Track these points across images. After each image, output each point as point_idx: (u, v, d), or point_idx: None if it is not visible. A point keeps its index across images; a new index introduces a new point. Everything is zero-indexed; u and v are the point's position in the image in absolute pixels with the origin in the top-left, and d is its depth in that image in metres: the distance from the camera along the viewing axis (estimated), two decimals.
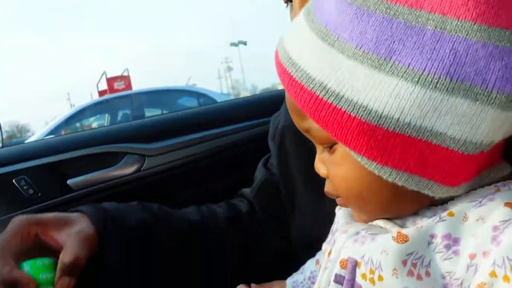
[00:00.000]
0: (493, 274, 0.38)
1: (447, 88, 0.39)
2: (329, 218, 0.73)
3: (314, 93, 0.43)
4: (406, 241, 0.45)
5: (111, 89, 12.65)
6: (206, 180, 1.49)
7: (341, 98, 0.42)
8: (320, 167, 0.53)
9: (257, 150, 1.16)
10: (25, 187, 1.20)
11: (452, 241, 0.43)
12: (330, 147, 0.48)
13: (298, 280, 0.79)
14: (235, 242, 0.97)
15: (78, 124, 7.16)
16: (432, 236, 0.44)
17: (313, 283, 0.76)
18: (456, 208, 0.44)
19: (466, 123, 0.40)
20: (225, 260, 0.95)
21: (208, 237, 0.95)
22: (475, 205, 0.43)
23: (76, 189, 1.27)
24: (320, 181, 0.88)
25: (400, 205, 0.48)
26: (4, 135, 1.72)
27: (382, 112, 0.40)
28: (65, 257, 0.70)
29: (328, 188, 0.54)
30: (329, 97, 0.42)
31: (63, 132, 6.75)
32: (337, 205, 0.62)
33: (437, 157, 0.42)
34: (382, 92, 0.40)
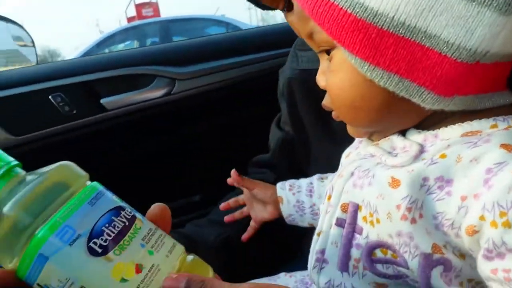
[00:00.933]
0: (482, 218, 0.38)
1: None
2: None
3: None
4: (399, 185, 0.45)
5: (139, 15, 12.52)
6: (235, 107, 1.51)
7: None
8: (320, 79, 0.54)
9: None
10: (61, 104, 1.24)
11: (445, 182, 0.42)
12: (329, 53, 0.49)
13: (286, 183, 0.84)
14: None
15: (107, 50, 7.18)
16: (425, 179, 0.44)
17: (298, 191, 0.80)
18: (449, 150, 0.44)
19: (461, 25, 0.39)
20: None
21: None
22: (469, 146, 0.43)
23: (109, 109, 1.31)
24: (332, 127, 0.89)
25: (392, 118, 0.49)
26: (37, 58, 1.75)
27: (378, 10, 0.40)
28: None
29: (326, 101, 0.55)
30: None
31: None
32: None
33: (429, 61, 0.41)
34: None
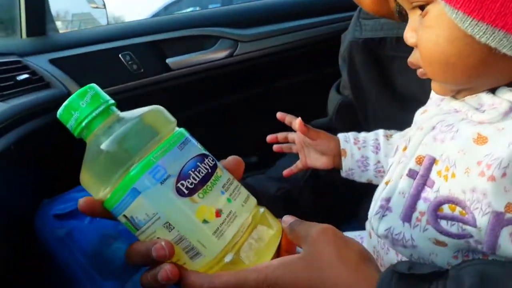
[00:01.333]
0: None
1: None
2: (402, 125, 0.73)
3: None
4: (485, 143, 0.44)
5: None
6: (297, 71, 1.51)
7: None
8: (409, 36, 0.51)
9: None
10: (129, 62, 1.30)
11: None
12: (422, 8, 0.47)
13: (350, 135, 0.80)
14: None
15: None
16: None
17: (363, 146, 0.77)
18: None
19: None
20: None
21: None
22: None
23: (174, 68, 1.36)
24: (394, 89, 0.86)
25: (486, 76, 0.47)
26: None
27: None
28: None
29: (413, 58, 0.53)
30: None
31: None
32: (409, 110, 0.62)
33: None
34: None
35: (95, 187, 0.42)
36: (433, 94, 0.62)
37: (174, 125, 0.45)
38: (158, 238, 0.41)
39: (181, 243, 0.40)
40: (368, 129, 1.01)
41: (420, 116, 0.60)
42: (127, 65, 1.30)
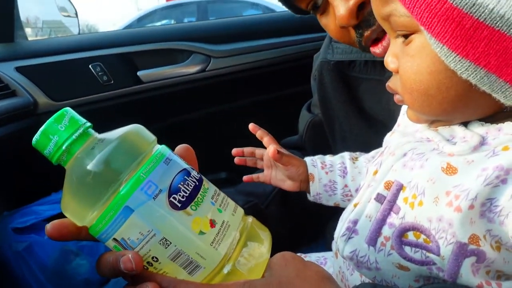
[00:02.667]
0: None
1: None
2: (370, 145, 0.75)
3: None
4: (454, 173, 0.45)
5: None
6: (269, 88, 1.52)
7: None
8: (390, 61, 0.50)
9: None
10: (100, 73, 1.29)
11: (504, 171, 0.42)
12: (406, 37, 0.46)
13: (317, 159, 0.81)
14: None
15: None
16: (484, 169, 0.43)
17: (330, 170, 0.78)
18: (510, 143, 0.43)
19: None
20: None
21: None
22: None
23: (145, 81, 1.35)
24: (363, 110, 0.88)
25: (463, 109, 0.47)
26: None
27: (477, 0, 0.38)
28: None
29: (392, 83, 0.52)
30: None
31: None
32: (375, 130, 0.63)
33: None
34: None
35: (81, 213, 0.40)
36: (401, 120, 0.63)
37: (155, 142, 0.44)
38: (153, 257, 0.40)
39: (179, 259, 0.40)
40: (336, 147, 1.02)
41: (390, 137, 0.62)
42: (97, 76, 1.29)
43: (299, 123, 1.19)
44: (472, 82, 0.42)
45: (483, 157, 0.44)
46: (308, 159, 0.81)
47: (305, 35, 1.49)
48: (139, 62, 1.36)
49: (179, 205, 0.40)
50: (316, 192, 0.79)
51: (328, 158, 0.81)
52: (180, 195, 0.40)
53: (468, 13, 0.39)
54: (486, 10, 0.38)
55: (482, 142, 0.46)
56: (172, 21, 7.00)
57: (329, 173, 0.78)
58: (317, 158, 0.81)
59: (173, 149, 0.47)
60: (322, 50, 1.07)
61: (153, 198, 0.39)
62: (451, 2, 0.39)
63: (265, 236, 0.46)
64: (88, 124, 0.42)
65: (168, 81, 1.38)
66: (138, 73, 1.35)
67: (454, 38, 0.40)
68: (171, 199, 0.39)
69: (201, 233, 0.40)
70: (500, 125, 0.46)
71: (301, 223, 1.02)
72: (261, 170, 0.91)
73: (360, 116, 0.95)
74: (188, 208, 0.40)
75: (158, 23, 7.24)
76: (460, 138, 0.48)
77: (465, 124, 0.50)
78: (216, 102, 1.49)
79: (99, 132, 0.43)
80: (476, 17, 0.39)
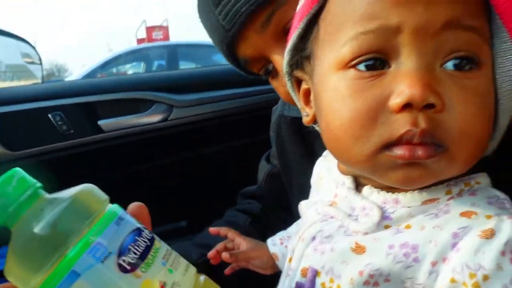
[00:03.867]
0: (453, 280, 0.40)
1: None
2: None
3: None
4: (363, 252, 0.46)
5: (149, 38, 12.74)
6: (230, 137, 1.54)
7: None
8: (429, 95, 0.39)
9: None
10: (59, 123, 1.28)
11: (411, 248, 0.42)
12: (463, 65, 0.41)
13: (276, 237, 0.82)
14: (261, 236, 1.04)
15: (114, 70, 7.27)
16: (391, 247, 0.44)
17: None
18: (413, 220, 0.45)
19: None
20: None
21: None
22: (431, 217, 0.44)
23: (106, 130, 1.35)
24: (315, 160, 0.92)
25: None
26: (44, 73, 1.81)
27: None
28: None
29: (431, 125, 0.40)
30: None
31: (99, 76, 6.88)
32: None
33: None
34: None
35: (25, 277, 0.39)
36: (314, 181, 0.66)
37: (107, 202, 0.44)
38: None
39: None
40: (294, 198, 1.04)
41: (303, 209, 0.62)
42: (56, 125, 1.28)
43: (258, 173, 1.21)
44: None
45: (388, 235, 0.45)
46: (268, 241, 0.83)
47: (266, 85, 1.54)
48: (100, 112, 1.36)
49: (129, 267, 0.39)
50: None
51: (286, 231, 0.83)
52: (130, 257, 0.39)
53: None
54: None
55: (383, 215, 0.46)
56: (142, 64, 7.05)
57: (288, 246, 0.79)
58: (277, 236, 0.83)
59: (132, 200, 0.47)
60: (280, 104, 1.10)
61: (102, 261, 0.38)
62: None
63: None
64: (38, 184, 0.42)
65: (129, 130, 1.38)
66: (99, 122, 1.35)
67: None
68: (120, 261, 0.39)
69: None
70: (397, 195, 0.47)
71: (256, 277, 1.01)
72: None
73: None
74: (138, 270, 0.39)
75: (128, 66, 7.27)
76: (360, 209, 0.49)
77: (357, 187, 0.51)
78: (178, 151, 1.50)
79: (55, 187, 0.43)
80: None
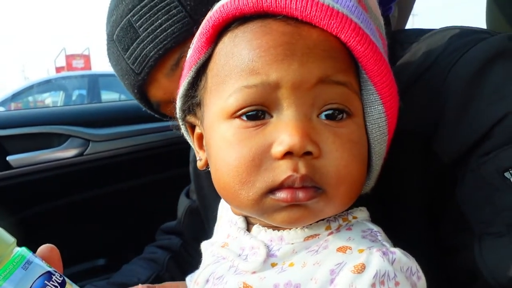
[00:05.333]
0: None
1: None
2: None
3: None
4: None
5: (69, 66, 12.28)
6: (149, 171, 1.53)
7: None
8: (308, 144, 0.43)
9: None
10: None
11: (294, 287, 0.45)
12: (335, 116, 0.45)
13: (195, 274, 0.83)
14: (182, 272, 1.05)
15: (31, 99, 6.92)
16: (276, 286, 0.46)
17: None
18: (296, 257, 0.48)
19: None
20: None
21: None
22: (312, 253, 0.47)
23: (16, 166, 1.28)
24: None
25: None
26: None
27: None
28: None
29: (310, 170, 0.44)
30: None
31: (12, 105, 6.51)
32: None
33: None
34: None
35: None
36: (217, 220, 0.68)
37: (14, 245, 0.43)
38: None
39: None
40: (211, 233, 1.06)
41: (202, 247, 0.64)
42: None
43: (178, 209, 1.21)
44: None
45: (274, 274, 0.48)
46: (187, 278, 0.82)
47: None
48: (9, 147, 1.29)
49: None
50: None
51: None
52: None
53: None
54: None
55: (269, 253, 0.49)
56: (60, 93, 6.77)
57: None
58: (196, 272, 0.83)
59: (46, 240, 0.45)
60: None
61: None
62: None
63: None
64: None
65: (42, 165, 1.32)
66: (8, 158, 1.28)
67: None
68: None
69: None
70: (281, 232, 0.50)
71: None
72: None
73: None
74: None
75: (45, 95, 6.95)
76: (249, 248, 0.52)
77: (251, 229, 0.53)
78: (95, 186, 1.46)
79: None
80: None
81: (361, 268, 0.42)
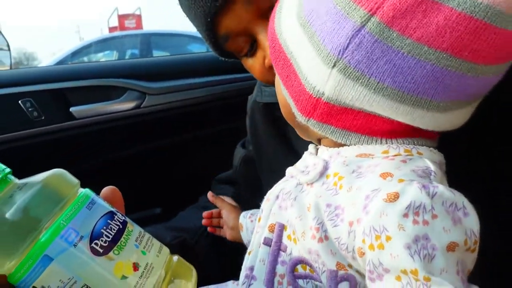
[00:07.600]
0: (364, 242, 0.43)
1: None
2: None
3: None
4: (310, 208, 0.50)
5: (121, 26, 12.49)
6: (204, 124, 1.55)
7: None
8: None
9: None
10: (30, 109, 1.26)
11: (341, 210, 0.46)
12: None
13: (248, 212, 0.89)
14: None
15: (85, 58, 7.12)
16: (328, 206, 0.48)
17: (255, 219, 0.84)
18: (344, 180, 0.48)
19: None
20: None
21: None
22: (357, 175, 0.48)
23: (78, 117, 1.34)
24: (287, 144, 0.96)
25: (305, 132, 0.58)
26: (12, 61, 1.76)
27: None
28: None
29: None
30: None
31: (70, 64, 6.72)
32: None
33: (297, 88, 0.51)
34: None
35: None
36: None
37: (78, 187, 0.44)
38: None
39: None
40: (265, 181, 1.07)
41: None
42: (27, 112, 1.26)
43: (234, 159, 1.23)
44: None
45: (326, 192, 0.50)
46: (243, 212, 0.89)
47: (241, 74, 1.55)
48: (72, 98, 1.34)
49: (101, 250, 0.40)
50: (248, 240, 0.84)
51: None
52: (102, 240, 0.40)
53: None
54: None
55: (326, 166, 0.53)
56: (114, 53, 6.92)
57: (254, 221, 0.84)
58: (250, 211, 0.89)
59: (105, 186, 0.48)
60: (255, 91, 1.12)
61: (74, 245, 0.39)
62: None
63: (190, 273, 0.47)
64: (8, 170, 0.42)
65: (101, 117, 1.37)
66: (71, 109, 1.33)
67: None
68: (93, 245, 0.40)
69: (124, 277, 0.40)
70: (340, 148, 0.53)
71: (230, 258, 1.04)
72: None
73: (289, 152, 1.00)
74: (111, 253, 0.40)
75: (100, 55, 7.13)
76: (312, 166, 0.55)
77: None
78: (151, 138, 1.50)
79: (27, 171, 0.43)
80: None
81: (394, 197, 0.41)
